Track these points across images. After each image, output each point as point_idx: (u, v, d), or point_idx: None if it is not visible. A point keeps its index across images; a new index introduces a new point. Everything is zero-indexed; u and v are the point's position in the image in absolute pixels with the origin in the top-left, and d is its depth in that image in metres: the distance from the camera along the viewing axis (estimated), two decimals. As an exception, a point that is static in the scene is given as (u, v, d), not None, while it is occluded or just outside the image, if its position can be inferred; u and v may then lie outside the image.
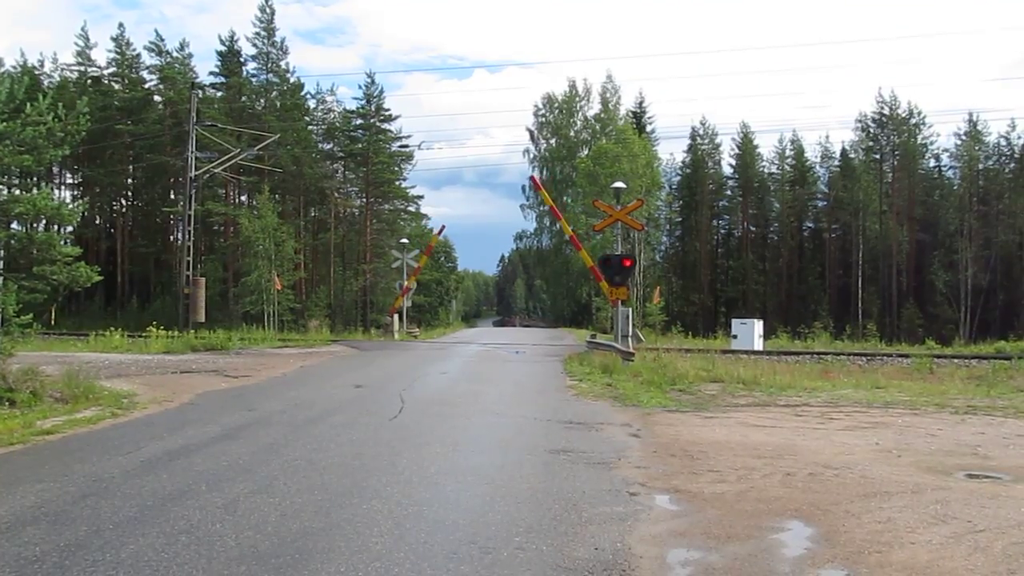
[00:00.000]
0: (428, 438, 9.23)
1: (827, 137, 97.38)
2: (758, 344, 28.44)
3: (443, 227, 50.33)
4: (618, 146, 54.02)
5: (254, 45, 51.62)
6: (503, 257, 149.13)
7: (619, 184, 28.24)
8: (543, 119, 70.27)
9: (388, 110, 53.56)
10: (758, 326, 29.98)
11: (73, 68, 55.79)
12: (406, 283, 40.57)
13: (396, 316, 38.45)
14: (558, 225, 68.18)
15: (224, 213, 47.25)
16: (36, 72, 51.81)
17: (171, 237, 53.35)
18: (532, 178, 32.62)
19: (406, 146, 54.41)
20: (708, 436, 9.60)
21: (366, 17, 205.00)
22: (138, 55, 55.70)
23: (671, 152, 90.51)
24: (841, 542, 5.23)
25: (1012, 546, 5.08)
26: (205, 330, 29.71)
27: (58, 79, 53.82)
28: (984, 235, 53.08)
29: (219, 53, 52.08)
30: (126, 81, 55.42)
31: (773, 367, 18.59)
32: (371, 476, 7.14)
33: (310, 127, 53.74)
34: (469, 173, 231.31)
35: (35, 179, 34.75)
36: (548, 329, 60.84)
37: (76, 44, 55.44)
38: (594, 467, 7.68)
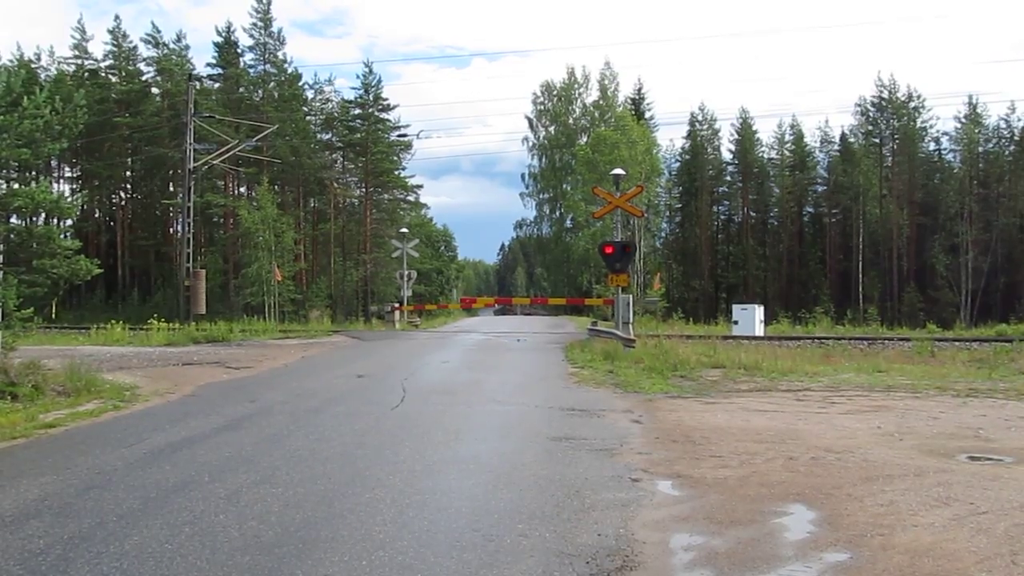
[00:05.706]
0: (430, 427, 9.24)
1: (826, 122, 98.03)
2: (759, 329, 28.48)
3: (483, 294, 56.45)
4: (617, 133, 53.81)
5: (251, 36, 51.42)
6: (503, 245, 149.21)
7: (618, 171, 28.06)
8: (542, 107, 70.06)
9: (386, 100, 53.30)
10: (759, 311, 30.02)
11: (70, 61, 55.58)
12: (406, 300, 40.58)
13: (398, 310, 38.44)
14: (558, 213, 68.42)
15: (223, 205, 47.22)
16: (33, 66, 51.45)
17: (171, 229, 53.31)
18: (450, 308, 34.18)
19: (405, 135, 54.31)
20: (710, 421, 9.61)
21: (364, 8, 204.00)
22: (135, 47, 55.41)
23: (670, 138, 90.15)
24: (844, 525, 5.24)
25: (1014, 528, 5.09)
26: (206, 322, 29.75)
27: (55, 72, 53.52)
28: (984, 218, 52.98)
29: (216, 44, 51.91)
30: (123, 73, 55.11)
31: (774, 352, 18.59)
32: (373, 465, 7.15)
33: (308, 117, 53.49)
34: (468, 162, 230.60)
35: (33, 173, 34.68)
36: (549, 317, 60.80)
37: (73, 37, 55.39)
38: (596, 454, 7.68)
